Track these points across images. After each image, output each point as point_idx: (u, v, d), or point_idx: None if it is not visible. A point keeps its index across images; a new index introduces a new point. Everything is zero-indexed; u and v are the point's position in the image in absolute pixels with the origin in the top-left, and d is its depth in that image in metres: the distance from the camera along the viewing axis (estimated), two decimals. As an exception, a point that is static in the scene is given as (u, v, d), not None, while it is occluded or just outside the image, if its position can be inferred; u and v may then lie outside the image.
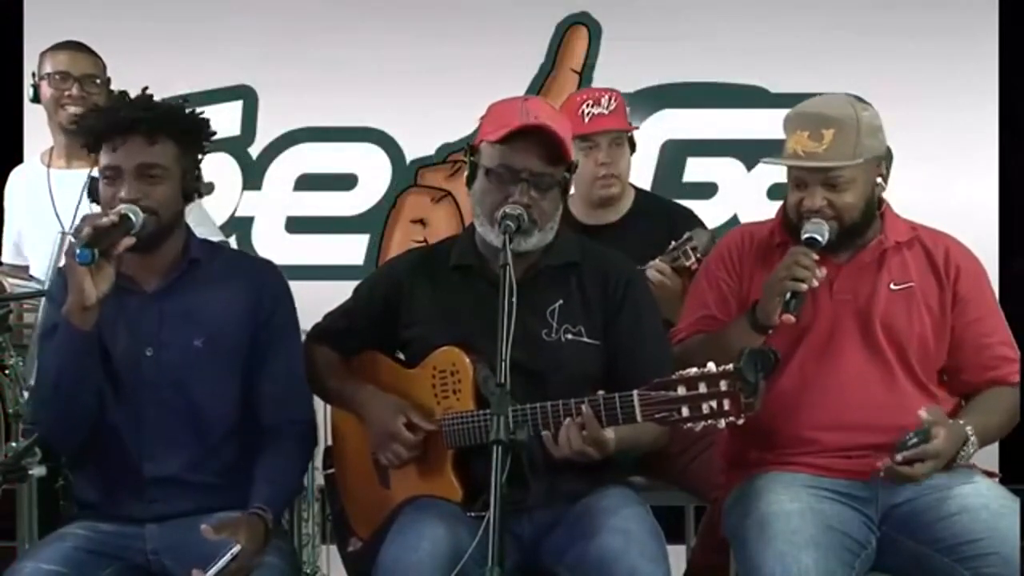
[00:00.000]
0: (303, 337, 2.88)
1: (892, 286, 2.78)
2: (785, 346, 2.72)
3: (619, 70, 4.63)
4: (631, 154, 3.70)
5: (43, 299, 3.12)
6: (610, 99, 3.64)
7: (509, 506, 2.34)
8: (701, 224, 3.62)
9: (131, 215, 2.56)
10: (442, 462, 2.67)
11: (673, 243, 3.43)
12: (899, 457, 2.56)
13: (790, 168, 2.76)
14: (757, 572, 2.53)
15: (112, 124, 2.63)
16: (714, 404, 2.34)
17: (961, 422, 2.66)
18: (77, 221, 3.41)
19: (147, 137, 2.62)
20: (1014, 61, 4.83)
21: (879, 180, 2.78)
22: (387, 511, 2.73)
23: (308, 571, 3.24)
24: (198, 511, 2.62)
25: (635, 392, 2.42)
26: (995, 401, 2.77)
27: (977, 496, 2.61)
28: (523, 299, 2.45)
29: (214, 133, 2.73)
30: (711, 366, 2.35)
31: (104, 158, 2.64)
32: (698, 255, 3.36)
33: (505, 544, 2.29)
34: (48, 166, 3.65)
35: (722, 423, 2.35)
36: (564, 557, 2.57)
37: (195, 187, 2.71)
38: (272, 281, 2.78)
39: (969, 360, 2.79)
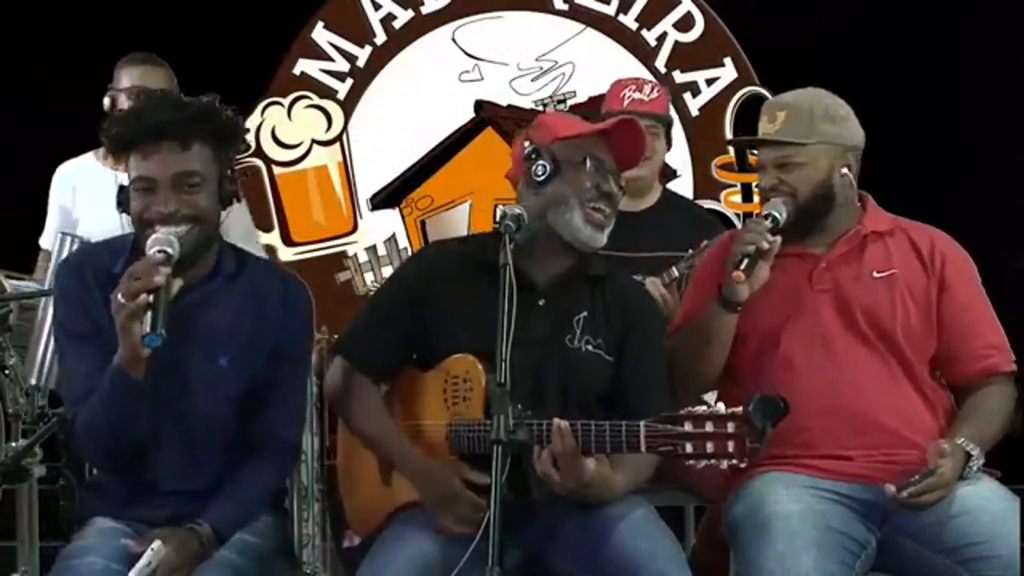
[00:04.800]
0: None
1: (875, 274, 2.78)
2: (769, 334, 2.74)
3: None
4: (666, 151, 3.73)
5: (44, 298, 3.14)
6: (653, 89, 3.71)
7: (511, 508, 2.35)
8: (723, 229, 3.63)
9: (169, 250, 2.41)
10: (446, 468, 2.68)
11: (691, 251, 3.45)
12: (905, 493, 2.55)
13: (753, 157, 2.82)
14: (756, 573, 2.53)
15: (141, 130, 2.46)
16: (719, 445, 2.32)
17: (959, 441, 2.64)
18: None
19: (180, 142, 2.46)
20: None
21: (844, 171, 2.78)
22: (387, 511, 2.71)
23: (308, 571, 3.23)
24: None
25: (642, 423, 2.40)
26: (991, 405, 2.75)
27: (978, 498, 2.60)
28: (554, 302, 2.50)
29: (248, 131, 2.65)
30: (720, 406, 2.35)
31: (134, 168, 2.48)
32: None
33: (506, 545, 2.29)
34: (116, 171, 3.51)
35: (724, 464, 2.33)
36: (581, 561, 2.56)
37: (232, 192, 2.57)
38: (300, 302, 2.67)
39: (960, 348, 2.78)
